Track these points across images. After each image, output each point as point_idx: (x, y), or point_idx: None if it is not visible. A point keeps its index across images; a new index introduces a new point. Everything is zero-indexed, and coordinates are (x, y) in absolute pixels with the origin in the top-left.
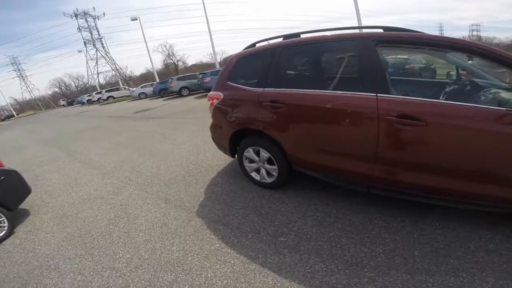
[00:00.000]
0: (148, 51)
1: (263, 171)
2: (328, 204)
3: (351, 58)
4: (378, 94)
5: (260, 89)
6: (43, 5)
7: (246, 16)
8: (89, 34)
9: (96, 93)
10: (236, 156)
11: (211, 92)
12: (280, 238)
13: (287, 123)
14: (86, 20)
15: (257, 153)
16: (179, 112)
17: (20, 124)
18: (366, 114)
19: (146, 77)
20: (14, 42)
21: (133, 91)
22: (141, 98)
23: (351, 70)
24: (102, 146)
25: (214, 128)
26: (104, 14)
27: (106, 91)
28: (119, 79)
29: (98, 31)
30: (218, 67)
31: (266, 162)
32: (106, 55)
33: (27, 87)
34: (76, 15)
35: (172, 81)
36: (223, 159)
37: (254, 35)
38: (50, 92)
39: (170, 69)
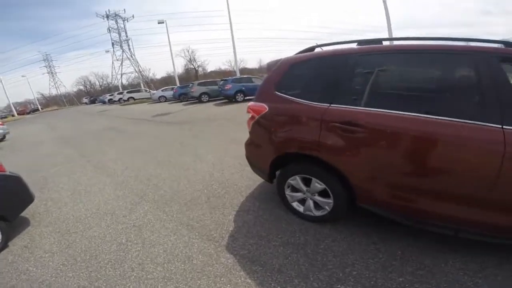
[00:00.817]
0: (172, 55)
1: (310, 203)
2: (391, 242)
3: (465, 76)
4: (504, 126)
5: (325, 105)
6: (77, 4)
7: (264, 25)
8: (117, 35)
9: (118, 93)
10: (274, 181)
11: (252, 103)
12: (337, 286)
13: (362, 152)
14: (116, 21)
15: (306, 182)
16: (199, 119)
17: (44, 118)
18: (487, 150)
19: (166, 81)
20: (48, 39)
21: (153, 93)
22: (161, 101)
23: (463, 91)
24: (119, 150)
25: (251, 146)
26: (133, 16)
27: (127, 92)
28: (141, 81)
29: (126, 33)
30: (238, 74)
31: (317, 194)
32: (132, 57)
33: (55, 83)
34: (107, 16)
35: (193, 86)
36: (252, 179)
37: (271, 45)
38: (75, 90)
39: (190, 74)
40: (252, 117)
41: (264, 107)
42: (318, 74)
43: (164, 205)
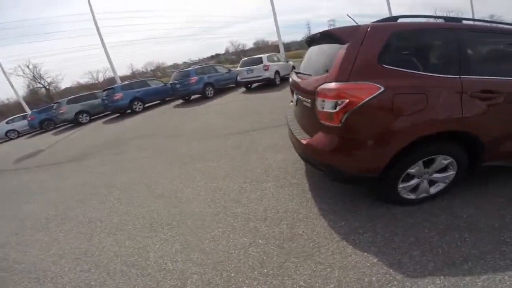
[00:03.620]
0: (5, 74)
1: (424, 185)
2: None
3: None
4: None
5: (455, 77)
6: None
7: (132, 27)
8: None
9: None
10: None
11: (340, 85)
12: None
13: (499, 115)
14: None
15: (425, 164)
16: (96, 147)
17: None
18: None
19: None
20: None
21: None
22: (12, 138)
23: None
24: None
25: (348, 146)
26: None
27: None
28: None
29: None
30: (119, 81)
31: (435, 172)
32: None
33: None
34: None
35: (60, 106)
36: None
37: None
38: None
39: (41, 95)
40: (346, 106)
41: (376, 86)
42: (431, 46)
43: None
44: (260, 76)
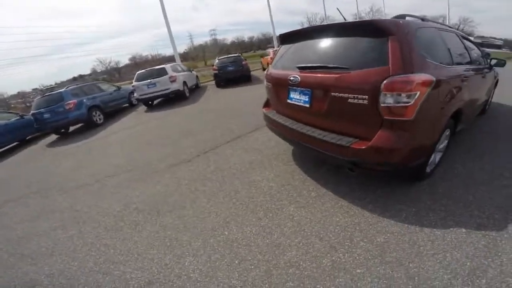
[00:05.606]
0: None
1: (436, 157)
2: None
3: None
4: None
5: (452, 67)
6: None
7: None
8: None
9: None
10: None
11: (417, 76)
12: None
13: (467, 92)
14: None
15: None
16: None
17: None
18: None
19: None
20: None
21: None
22: None
23: None
24: None
25: (420, 136)
26: None
27: None
28: None
29: None
30: None
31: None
32: None
33: None
34: None
35: None
36: None
37: None
38: None
39: None
40: (419, 98)
41: (431, 77)
42: (439, 41)
43: None
44: (167, 90)
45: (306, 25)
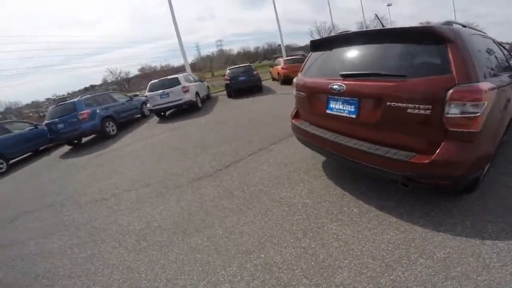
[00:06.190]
0: None
1: None
2: None
3: None
4: None
5: (502, 75)
6: None
7: None
8: None
9: None
10: None
11: (483, 85)
12: None
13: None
14: None
15: None
16: None
17: None
18: None
19: None
20: None
21: None
22: None
23: None
24: None
25: (483, 147)
26: None
27: None
28: None
29: None
30: None
31: None
32: None
33: None
34: None
35: None
36: None
37: None
38: None
39: None
40: (486, 108)
41: (492, 85)
42: (487, 48)
43: None
44: (180, 100)
45: (315, 34)
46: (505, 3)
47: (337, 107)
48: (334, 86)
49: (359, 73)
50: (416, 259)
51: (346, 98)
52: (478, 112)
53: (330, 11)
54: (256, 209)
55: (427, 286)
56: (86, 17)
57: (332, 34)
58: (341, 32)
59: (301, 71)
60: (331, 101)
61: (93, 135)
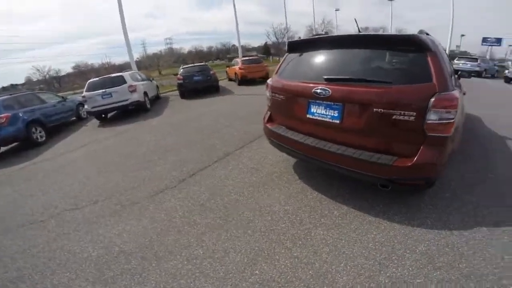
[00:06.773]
0: None
1: None
2: None
3: None
4: None
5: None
6: None
7: None
8: None
9: None
10: None
11: (457, 93)
12: None
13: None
14: None
15: None
16: None
17: None
18: None
19: None
20: None
21: None
22: None
23: None
24: None
25: (449, 149)
26: None
27: None
28: None
29: None
30: None
31: None
32: None
33: None
34: None
35: None
36: None
37: None
38: None
39: None
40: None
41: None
42: (446, 58)
43: None
44: (126, 101)
45: (271, 35)
46: (433, 10)
47: (319, 112)
48: (318, 90)
49: (345, 78)
50: (403, 254)
51: (329, 102)
52: (452, 118)
53: (285, 14)
54: (236, 222)
55: (420, 278)
56: (14, 9)
57: (286, 36)
58: (319, 35)
59: (276, 73)
60: (312, 105)
61: (15, 143)
